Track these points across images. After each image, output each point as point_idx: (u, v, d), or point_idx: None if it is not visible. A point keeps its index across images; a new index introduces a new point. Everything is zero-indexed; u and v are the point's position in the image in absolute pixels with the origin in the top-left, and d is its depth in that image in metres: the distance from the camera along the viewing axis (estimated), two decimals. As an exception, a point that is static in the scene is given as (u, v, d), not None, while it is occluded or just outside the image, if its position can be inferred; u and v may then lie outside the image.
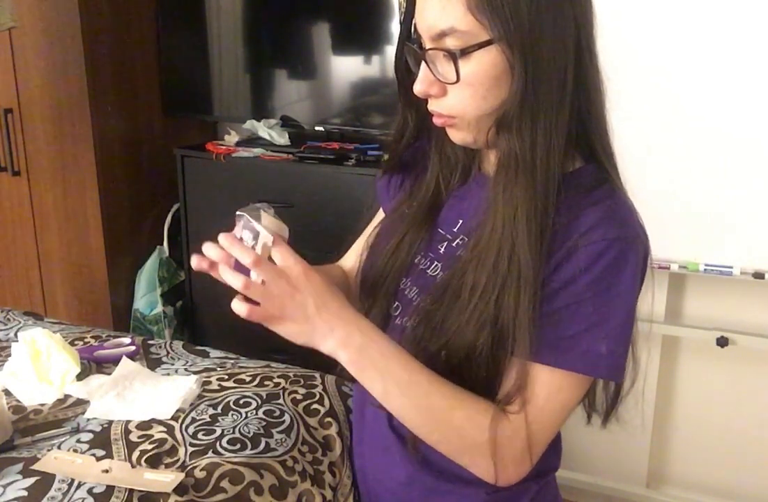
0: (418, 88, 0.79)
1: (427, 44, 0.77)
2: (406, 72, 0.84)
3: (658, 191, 1.85)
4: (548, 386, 0.79)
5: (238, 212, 0.80)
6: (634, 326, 0.83)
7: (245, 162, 2.28)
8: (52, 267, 2.53)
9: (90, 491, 0.98)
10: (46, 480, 1.00)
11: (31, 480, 1.00)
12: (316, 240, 2.26)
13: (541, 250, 0.76)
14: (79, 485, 0.99)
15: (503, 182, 0.78)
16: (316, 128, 2.32)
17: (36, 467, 1.01)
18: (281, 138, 2.31)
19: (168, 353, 1.48)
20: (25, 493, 0.98)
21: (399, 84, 0.87)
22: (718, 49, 1.77)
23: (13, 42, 2.31)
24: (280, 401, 1.24)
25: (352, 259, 1.07)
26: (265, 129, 2.32)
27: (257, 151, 2.28)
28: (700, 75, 1.80)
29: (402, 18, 0.83)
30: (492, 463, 0.80)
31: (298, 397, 1.26)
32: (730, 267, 1.87)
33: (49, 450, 1.08)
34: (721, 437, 2.13)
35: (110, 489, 0.98)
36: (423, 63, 0.78)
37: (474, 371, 0.81)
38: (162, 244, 2.53)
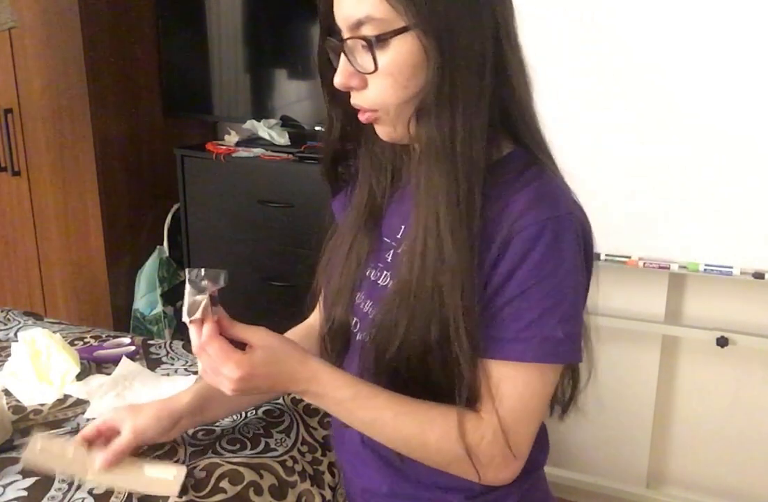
0: (338, 80, 0.78)
1: (346, 35, 0.77)
2: (329, 69, 0.83)
3: (657, 191, 1.85)
4: (515, 381, 0.77)
5: (190, 272, 0.79)
6: (585, 306, 0.82)
7: (245, 162, 2.28)
8: (52, 267, 2.53)
9: (90, 492, 0.98)
10: (46, 480, 1.00)
11: (31, 480, 1.00)
12: (316, 240, 2.26)
13: (470, 238, 0.75)
14: (79, 486, 0.99)
15: (425, 171, 0.77)
16: (316, 128, 2.32)
17: (24, 460, 0.97)
18: (281, 138, 2.31)
19: (168, 353, 1.48)
20: (25, 493, 0.98)
21: (322, 81, 0.86)
22: (714, 46, 1.77)
23: (13, 42, 2.31)
24: (280, 400, 1.24)
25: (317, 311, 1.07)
26: (265, 129, 2.32)
27: (257, 151, 2.28)
28: (701, 74, 1.80)
29: (320, 12, 0.82)
30: (475, 469, 0.79)
31: (298, 397, 1.26)
32: (730, 267, 1.87)
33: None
34: (721, 437, 2.13)
35: (110, 489, 0.98)
36: (342, 55, 0.77)
37: (434, 373, 0.80)
38: (162, 244, 2.53)
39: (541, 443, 0.92)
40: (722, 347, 1.96)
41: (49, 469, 0.85)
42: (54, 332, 1.42)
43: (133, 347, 1.47)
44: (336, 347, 0.93)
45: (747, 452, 2.10)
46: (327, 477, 1.11)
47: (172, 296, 2.52)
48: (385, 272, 0.89)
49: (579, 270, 0.79)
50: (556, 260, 0.76)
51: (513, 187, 0.78)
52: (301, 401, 1.25)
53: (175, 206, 2.51)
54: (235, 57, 2.46)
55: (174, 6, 2.45)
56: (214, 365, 0.77)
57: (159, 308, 2.47)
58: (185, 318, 0.78)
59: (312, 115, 2.36)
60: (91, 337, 1.55)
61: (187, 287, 0.77)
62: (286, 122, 2.36)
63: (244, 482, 1.02)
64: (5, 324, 1.66)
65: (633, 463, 2.21)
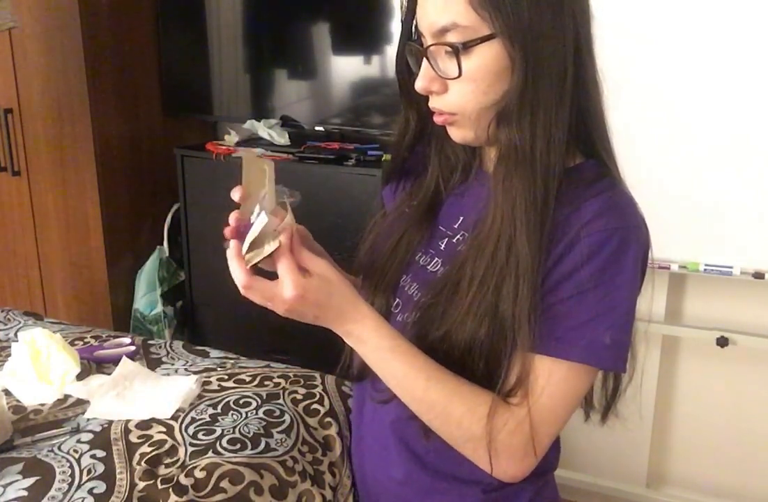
0: (420, 84, 0.80)
1: (429, 41, 0.78)
2: (407, 72, 0.85)
3: (658, 191, 1.85)
4: (552, 378, 0.79)
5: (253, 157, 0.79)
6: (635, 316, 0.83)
7: (245, 162, 2.27)
8: (52, 267, 2.53)
9: (90, 491, 0.98)
10: (46, 480, 1.00)
11: (31, 480, 1.00)
12: (316, 240, 2.25)
13: (541, 241, 0.77)
14: (79, 486, 0.99)
15: (503, 174, 0.79)
16: (316, 128, 2.32)
17: (242, 153, 0.83)
18: (281, 138, 2.31)
19: (168, 353, 1.48)
20: (25, 493, 0.98)
21: (400, 84, 0.88)
22: (719, 49, 1.77)
23: (13, 42, 2.31)
24: (280, 401, 1.24)
25: None
26: (265, 129, 2.32)
27: (257, 151, 2.28)
28: (700, 74, 1.80)
29: (403, 17, 0.84)
30: (489, 455, 0.80)
31: (298, 397, 1.26)
32: (730, 267, 1.87)
33: (50, 450, 1.08)
34: (721, 437, 2.13)
35: (110, 489, 0.98)
36: (424, 59, 0.79)
37: (475, 364, 0.81)
38: (162, 244, 2.53)
39: (555, 447, 0.93)
40: (722, 347, 1.96)
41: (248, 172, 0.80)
42: (54, 332, 1.42)
43: (133, 347, 1.47)
44: None
45: (747, 452, 2.10)
46: (327, 477, 1.11)
47: (172, 296, 2.52)
48: (436, 259, 0.91)
49: (636, 282, 0.82)
50: (617, 268, 0.78)
51: (585, 193, 0.80)
52: (302, 401, 1.25)
53: (175, 206, 2.51)
54: (235, 57, 2.46)
55: (174, 6, 2.45)
56: (267, 294, 0.77)
57: (159, 308, 2.47)
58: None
59: (312, 115, 2.36)
60: (91, 337, 1.55)
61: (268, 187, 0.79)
62: (286, 122, 2.36)
63: (245, 482, 1.02)
64: (5, 324, 1.66)
65: (633, 463, 2.21)
